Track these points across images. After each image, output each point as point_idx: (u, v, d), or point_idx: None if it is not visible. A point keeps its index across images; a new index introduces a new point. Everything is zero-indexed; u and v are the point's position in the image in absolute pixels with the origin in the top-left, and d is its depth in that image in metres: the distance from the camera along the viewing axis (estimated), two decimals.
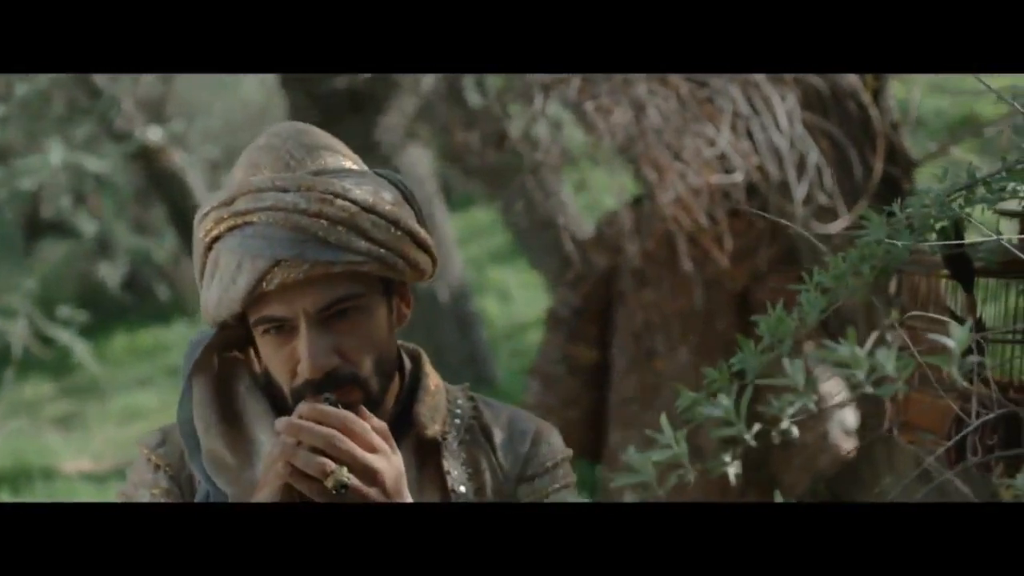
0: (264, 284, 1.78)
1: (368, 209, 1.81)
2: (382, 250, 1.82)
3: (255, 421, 1.87)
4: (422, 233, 1.87)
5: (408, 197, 1.88)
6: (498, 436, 1.96)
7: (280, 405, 1.89)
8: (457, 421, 1.95)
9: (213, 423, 1.87)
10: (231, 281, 1.80)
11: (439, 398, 1.95)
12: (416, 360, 1.98)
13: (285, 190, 1.79)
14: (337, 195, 1.80)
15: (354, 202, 1.80)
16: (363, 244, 1.80)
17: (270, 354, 1.85)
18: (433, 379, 1.96)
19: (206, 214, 1.84)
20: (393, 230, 1.83)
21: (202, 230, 1.84)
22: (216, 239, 1.83)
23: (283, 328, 1.82)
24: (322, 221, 1.78)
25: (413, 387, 1.95)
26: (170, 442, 1.92)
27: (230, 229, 1.81)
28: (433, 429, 1.92)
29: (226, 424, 1.87)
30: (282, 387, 1.86)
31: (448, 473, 1.91)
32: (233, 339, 1.91)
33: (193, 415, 1.87)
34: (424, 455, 1.92)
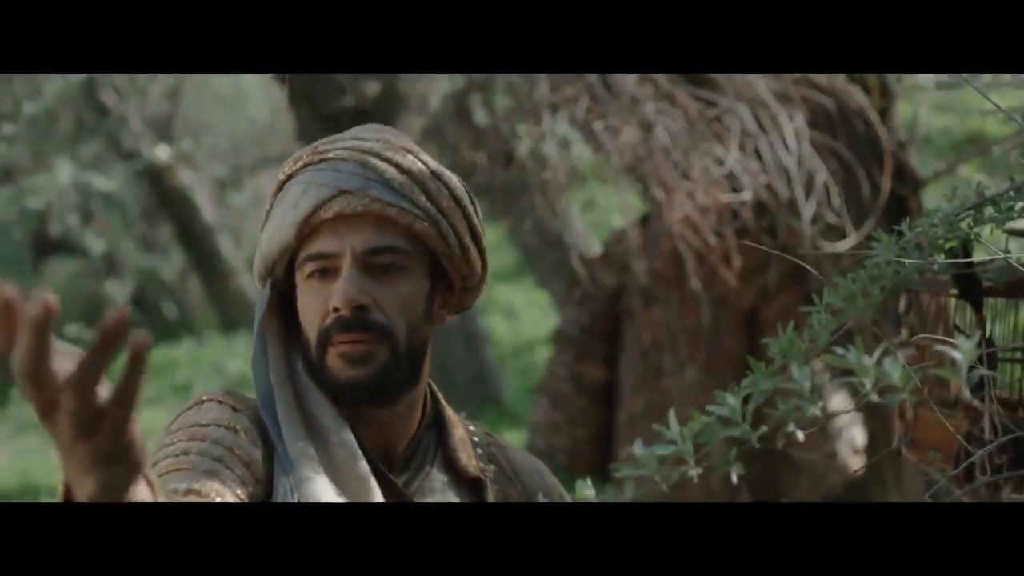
0: (322, 212, 1.85)
1: (436, 175, 1.90)
2: (439, 214, 1.89)
3: (312, 403, 1.88)
4: (478, 225, 1.95)
5: (472, 198, 1.96)
6: (527, 480, 2.01)
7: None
8: (479, 451, 1.99)
9: (287, 377, 1.90)
10: (293, 206, 1.87)
11: (460, 429, 1.99)
12: (432, 391, 2.00)
13: (365, 139, 1.91)
14: (410, 151, 1.91)
15: (425, 163, 1.90)
16: (423, 199, 1.88)
17: (308, 302, 1.88)
18: (449, 411, 1.99)
19: (291, 160, 1.94)
20: (453, 204, 1.90)
21: (281, 174, 1.94)
22: (291, 176, 1.92)
23: (327, 270, 1.87)
24: (392, 168, 1.87)
25: (436, 417, 1.98)
26: (235, 394, 1.93)
27: (306, 166, 1.90)
28: (472, 466, 1.95)
29: (293, 390, 1.89)
30: (310, 338, 1.87)
31: None
32: (285, 302, 1.93)
33: (269, 369, 1.90)
34: (464, 494, 1.95)
